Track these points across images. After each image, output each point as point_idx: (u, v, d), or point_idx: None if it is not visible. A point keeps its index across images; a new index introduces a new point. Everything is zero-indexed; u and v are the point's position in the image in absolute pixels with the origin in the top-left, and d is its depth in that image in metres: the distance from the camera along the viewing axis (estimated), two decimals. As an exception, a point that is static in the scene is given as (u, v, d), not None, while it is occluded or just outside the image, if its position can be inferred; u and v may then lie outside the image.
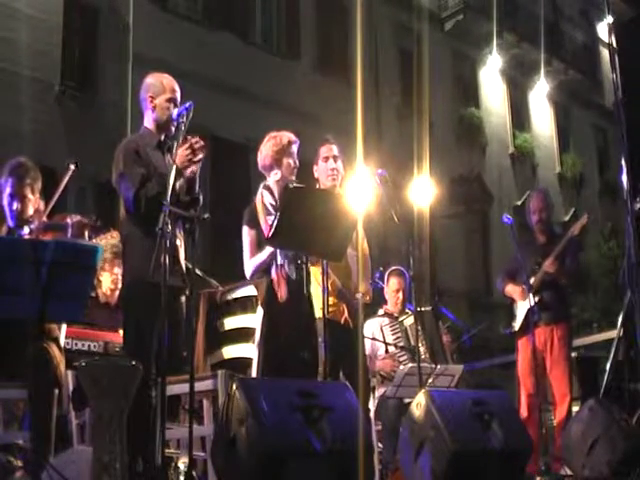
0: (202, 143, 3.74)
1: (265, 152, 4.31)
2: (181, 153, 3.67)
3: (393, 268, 6.14)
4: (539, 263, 5.63)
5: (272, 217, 4.05)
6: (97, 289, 4.85)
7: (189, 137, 3.71)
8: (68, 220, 4.02)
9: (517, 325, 5.77)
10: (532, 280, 5.69)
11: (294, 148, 4.32)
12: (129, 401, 3.03)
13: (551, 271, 5.58)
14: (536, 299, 5.60)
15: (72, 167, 4.21)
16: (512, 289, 5.86)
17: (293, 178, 4.24)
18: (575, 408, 6.20)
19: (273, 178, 4.26)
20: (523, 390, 5.60)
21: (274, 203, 4.18)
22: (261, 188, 4.28)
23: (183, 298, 3.82)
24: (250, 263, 4.13)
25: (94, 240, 4.63)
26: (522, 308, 5.75)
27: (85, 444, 3.90)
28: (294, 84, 15.05)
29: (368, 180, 4.68)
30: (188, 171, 3.75)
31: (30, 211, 4.17)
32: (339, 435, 3.02)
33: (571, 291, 5.88)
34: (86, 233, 4.02)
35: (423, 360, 5.61)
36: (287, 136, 4.34)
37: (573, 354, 7.48)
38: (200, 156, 3.73)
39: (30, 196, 4.17)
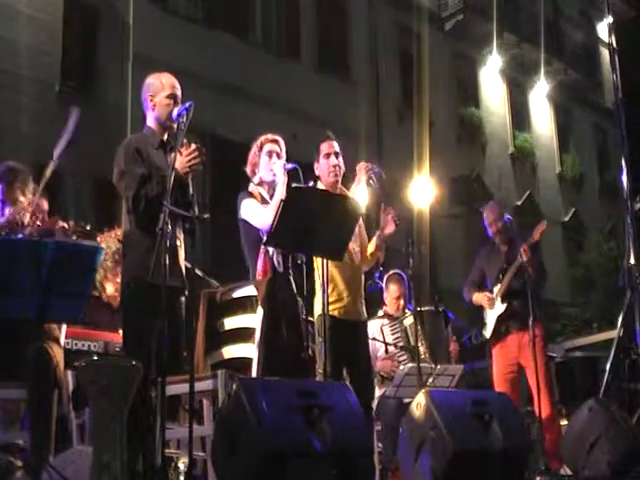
0: (204, 151, 3.75)
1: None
2: (182, 159, 3.67)
3: (391, 273, 6.12)
4: (504, 271, 5.68)
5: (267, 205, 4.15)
6: (101, 290, 4.86)
7: (192, 144, 3.72)
8: (56, 226, 4.01)
9: (488, 333, 5.80)
10: (497, 288, 5.75)
11: (272, 146, 4.32)
12: (129, 401, 3.02)
13: (525, 259, 5.57)
14: (504, 306, 5.66)
15: (77, 110, 4.17)
16: (479, 297, 5.89)
17: (274, 175, 4.25)
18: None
19: (259, 177, 4.31)
20: (497, 389, 5.62)
21: (267, 197, 4.26)
22: (253, 186, 4.33)
23: (182, 298, 3.82)
24: (267, 212, 4.07)
25: (99, 238, 4.64)
26: (491, 316, 5.78)
27: (85, 444, 3.90)
28: (294, 84, 15.05)
29: (367, 179, 4.66)
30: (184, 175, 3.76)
31: (26, 215, 4.15)
32: (339, 435, 3.02)
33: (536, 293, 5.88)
34: (74, 239, 4.01)
35: (423, 360, 5.62)
36: (264, 136, 4.37)
37: (577, 354, 7.49)
38: (200, 167, 3.75)
39: (21, 199, 4.16)
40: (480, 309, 5.91)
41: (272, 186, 4.28)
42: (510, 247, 5.80)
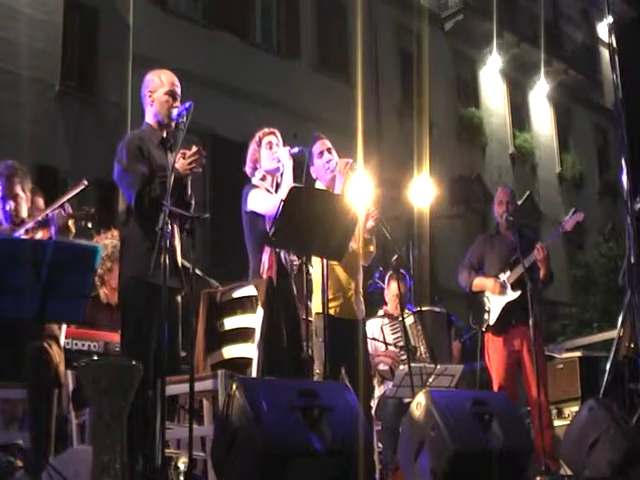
0: (204, 154, 3.75)
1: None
2: (183, 162, 3.67)
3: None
4: (516, 259, 5.48)
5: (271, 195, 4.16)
6: (99, 289, 4.84)
7: (193, 146, 3.72)
8: (51, 214, 3.98)
9: (492, 320, 5.64)
10: (507, 275, 5.62)
11: (271, 138, 4.34)
12: (129, 401, 3.03)
13: (540, 257, 5.50)
14: (516, 295, 5.52)
15: (85, 183, 4.17)
16: (485, 282, 5.71)
17: (279, 162, 4.25)
18: (575, 408, 6.19)
19: (260, 174, 4.31)
20: (495, 383, 5.56)
21: (272, 190, 4.27)
22: (256, 180, 4.33)
23: (179, 298, 3.82)
24: (277, 198, 4.08)
25: (96, 239, 4.63)
26: (497, 303, 5.63)
27: (85, 444, 3.90)
28: (294, 84, 15.05)
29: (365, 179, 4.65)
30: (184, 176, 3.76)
31: (24, 210, 4.16)
32: (339, 435, 3.02)
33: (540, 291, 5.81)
34: (70, 223, 3.98)
35: (423, 360, 5.62)
36: (260, 131, 4.38)
37: (577, 354, 7.49)
38: (200, 169, 3.75)
39: (22, 194, 4.17)
40: (479, 295, 5.74)
41: (276, 176, 4.28)
42: (521, 238, 5.58)
